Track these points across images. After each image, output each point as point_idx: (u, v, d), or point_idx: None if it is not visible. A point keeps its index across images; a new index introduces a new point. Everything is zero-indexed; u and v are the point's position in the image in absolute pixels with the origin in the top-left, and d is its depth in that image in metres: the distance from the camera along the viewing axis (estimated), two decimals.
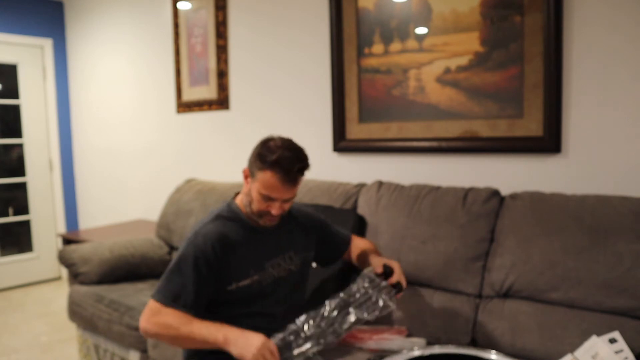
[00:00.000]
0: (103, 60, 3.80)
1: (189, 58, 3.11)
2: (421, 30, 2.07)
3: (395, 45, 2.15)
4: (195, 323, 1.29)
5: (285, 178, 1.31)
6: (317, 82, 2.48)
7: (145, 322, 1.32)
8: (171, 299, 1.32)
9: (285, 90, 2.64)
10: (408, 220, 1.81)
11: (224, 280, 1.37)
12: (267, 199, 1.35)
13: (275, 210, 1.36)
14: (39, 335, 2.99)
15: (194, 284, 1.33)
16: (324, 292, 1.82)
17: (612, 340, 1.29)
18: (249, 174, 1.40)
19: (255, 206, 1.38)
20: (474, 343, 1.60)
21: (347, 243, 1.69)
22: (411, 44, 2.10)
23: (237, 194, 1.52)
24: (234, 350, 1.23)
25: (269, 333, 1.30)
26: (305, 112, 2.55)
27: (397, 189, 1.95)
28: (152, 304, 1.34)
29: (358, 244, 1.69)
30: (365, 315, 1.35)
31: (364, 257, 1.62)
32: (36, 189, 4.08)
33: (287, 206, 1.40)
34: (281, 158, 1.30)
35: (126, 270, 2.46)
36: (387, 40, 2.18)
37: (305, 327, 1.30)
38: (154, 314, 1.32)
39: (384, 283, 1.42)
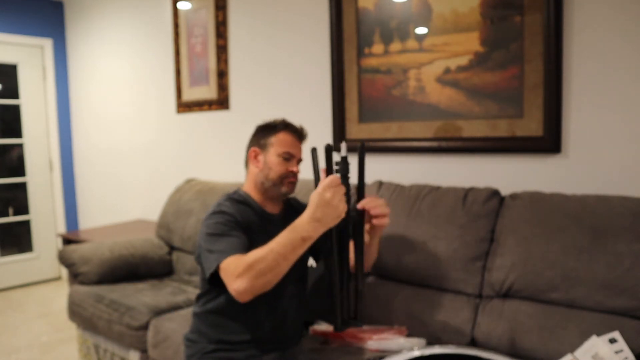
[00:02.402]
0: (103, 60, 3.80)
1: (189, 58, 3.11)
2: (421, 30, 2.07)
3: (395, 45, 2.15)
4: (268, 245, 1.17)
5: (298, 135, 1.50)
6: (317, 82, 2.48)
7: (234, 284, 1.18)
8: (231, 251, 1.25)
9: (285, 90, 2.64)
10: (408, 220, 1.81)
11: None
12: (287, 157, 1.46)
13: (295, 167, 1.47)
14: (39, 335, 2.99)
15: (239, 236, 1.32)
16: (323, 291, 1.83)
17: (612, 340, 1.29)
18: (258, 151, 1.50)
19: (276, 171, 1.45)
20: (474, 343, 1.60)
21: None
22: (411, 44, 2.10)
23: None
24: (319, 226, 1.13)
25: (272, 321, 1.39)
26: (305, 112, 2.55)
27: (397, 189, 1.95)
28: (224, 266, 1.23)
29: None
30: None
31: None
32: (36, 189, 4.08)
33: (298, 171, 1.50)
34: (288, 122, 1.51)
35: (126, 270, 2.46)
36: (387, 40, 2.18)
37: None
38: (231, 272, 1.20)
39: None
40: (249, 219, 1.42)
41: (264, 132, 1.51)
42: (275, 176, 1.45)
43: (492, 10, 1.88)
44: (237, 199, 1.46)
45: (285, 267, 1.18)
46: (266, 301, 1.42)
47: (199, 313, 1.49)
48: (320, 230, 1.14)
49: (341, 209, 1.12)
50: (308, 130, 2.70)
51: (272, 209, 1.52)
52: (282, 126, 1.49)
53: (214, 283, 1.33)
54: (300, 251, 1.17)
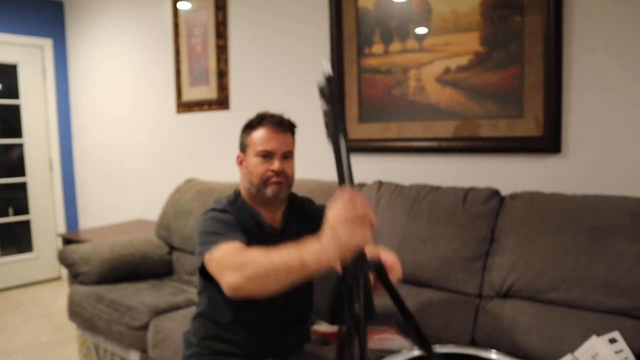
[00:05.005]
0: (103, 61, 3.80)
1: (189, 58, 3.11)
2: (421, 30, 2.07)
3: (395, 45, 2.15)
4: (269, 253, 0.99)
5: (277, 128, 1.31)
6: (317, 81, 2.48)
7: (226, 276, 1.04)
8: (220, 241, 1.14)
9: (286, 90, 2.64)
10: (408, 220, 1.81)
11: None
12: (265, 155, 1.30)
13: (276, 165, 1.29)
14: (39, 335, 2.99)
15: (233, 226, 1.23)
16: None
17: (612, 340, 1.29)
18: (242, 156, 1.38)
19: (257, 173, 1.30)
20: (474, 343, 1.60)
21: None
22: (411, 44, 2.10)
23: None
24: (324, 260, 0.89)
25: (270, 331, 1.34)
26: (306, 112, 2.54)
27: (397, 189, 1.95)
28: (217, 256, 1.11)
29: None
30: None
31: None
32: (36, 188, 4.08)
33: (288, 167, 1.33)
34: (267, 115, 1.33)
35: (126, 270, 2.46)
36: (387, 40, 2.18)
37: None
38: (224, 263, 1.08)
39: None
40: (245, 224, 1.31)
41: (243, 132, 1.37)
42: (256, 180, 1.31)
43: (492, 10, 1.88)
44: (239, 205, 1.36)
45: (275, 285, 0.98)
46: (262, 307, 1.35)
47: (197, 316, 1.45)
48: (322, 266, 0.90)
49: (351, 249, 0.85)
50: (308, 130, 2.68)
51: (272, 218, 1.38)
52: (256, 121, 1.32)
53: (206, 277, 1.22)
54: (296, 277, 0.95)
